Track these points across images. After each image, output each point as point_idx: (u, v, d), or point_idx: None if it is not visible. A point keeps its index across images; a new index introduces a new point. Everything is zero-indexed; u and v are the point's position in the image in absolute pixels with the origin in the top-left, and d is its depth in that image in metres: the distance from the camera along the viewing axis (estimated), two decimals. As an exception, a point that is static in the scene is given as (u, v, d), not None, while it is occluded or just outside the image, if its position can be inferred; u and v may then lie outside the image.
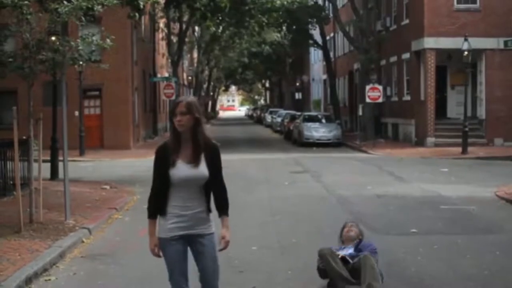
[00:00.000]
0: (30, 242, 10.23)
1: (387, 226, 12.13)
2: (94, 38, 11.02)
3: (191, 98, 5.30)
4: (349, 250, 7.72)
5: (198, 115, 5.16)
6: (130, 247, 10.19)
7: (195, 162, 5.15)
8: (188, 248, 5.36)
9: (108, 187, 18.05)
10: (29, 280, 8.23)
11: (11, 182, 15.50)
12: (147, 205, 5.35)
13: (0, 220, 11.79)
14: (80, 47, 11.34)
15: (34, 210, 11.72)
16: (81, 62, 12.42)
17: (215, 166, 5.26)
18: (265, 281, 8.23)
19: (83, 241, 10.95)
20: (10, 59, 11.41)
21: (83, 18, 11.10)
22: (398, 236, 11.23)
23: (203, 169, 5.17)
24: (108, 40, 11.36)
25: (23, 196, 14.51)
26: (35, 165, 12.61)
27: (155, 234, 5.27)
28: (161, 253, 5.27)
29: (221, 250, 5.32)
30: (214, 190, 5.33)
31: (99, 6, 11.08)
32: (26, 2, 9.94)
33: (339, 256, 7.45)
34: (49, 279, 8.56)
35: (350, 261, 7.41)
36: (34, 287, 8.18)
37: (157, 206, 5.26)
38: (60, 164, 19.50)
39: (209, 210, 5.30)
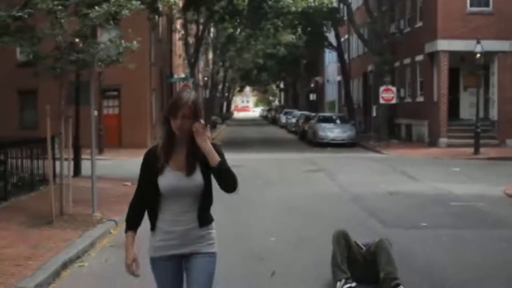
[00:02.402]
0: (62, 232, 10.92)
1: (398, 220, 12.73)
2: (122, 40, 11.68)
3: (194, 95, 4.41)
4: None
5: (201, 118, 4.35)
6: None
7: (187, 169, 4.36)
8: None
9: (129, 183, 18.66)
10: (64, 265, 8.90)
11: (38, 178, 16.28)
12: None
13: (32, 213, 12.49)
14: (100, 50, 12.00)
15: (64, 203, 12.38)
16: (100, 64, 12.94)
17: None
18: (284, 268, 8.85)
19: (110, 232, 11.64)
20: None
21: (111, 22, 11.80)
22: (408, 229, 11.81)
23: (197, 178, 4.37)
24: (134, 42, 12.01)
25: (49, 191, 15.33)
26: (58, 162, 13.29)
27: (132, 248, 4.56)
28: (138, 272, 4.58)
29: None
30: None
31: (127, 11, 11.74)
32: (60, 7, 10.63)
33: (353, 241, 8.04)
34: (83, 265, 9.24)
35: (363, 247, 8.00)
36: (70, 272, 8.85)
37: (138, 218, 4.57)
38: (83, 162, 20.35)
39: (203, 224, 4.49)
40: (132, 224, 4.58)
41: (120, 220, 12.56)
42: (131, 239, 4.57)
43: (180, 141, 4.39)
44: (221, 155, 4.38)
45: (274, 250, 10.01)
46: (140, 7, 12.28)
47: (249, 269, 8.62)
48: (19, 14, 10.79)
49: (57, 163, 13.59)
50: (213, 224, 4.57)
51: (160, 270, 4.55)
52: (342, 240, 7.92)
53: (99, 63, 12.12)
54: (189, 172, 4.36)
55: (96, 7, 10.84)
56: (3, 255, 9.03)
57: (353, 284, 7.55)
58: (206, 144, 4.29)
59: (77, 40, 12.11)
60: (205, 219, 4.48)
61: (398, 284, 7.39)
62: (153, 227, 4.51)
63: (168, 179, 4.37)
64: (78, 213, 12.61)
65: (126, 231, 4.59)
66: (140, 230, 4.64)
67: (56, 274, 8.49)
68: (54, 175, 16.71)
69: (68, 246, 9.81)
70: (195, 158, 4.37)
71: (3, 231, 10.87)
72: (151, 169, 4.42)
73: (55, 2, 10.57)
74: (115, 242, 10.88)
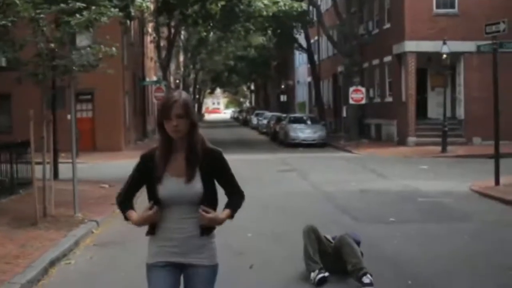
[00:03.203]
0: (46, 232, 11.32)
1: (368, 216, 13.33)
2: (102, 46, 12.11)
3: (184, 94, 4.29)
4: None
5: (195, 117, 4.26)
6: (136, 236, 11.18)
7: (187, 175, 4.22)
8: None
9: (106, 185, 19.08)
10: (52, 263, 9.33)
11: (17, 182, 16.61)
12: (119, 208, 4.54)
13: (15, 215, 12.85)
14: (80, 56, 12.40)
15: (47, 205, 12.76)
16: (74, 69, 13.23)
17: (222, 175, 4.41)
18: (262, 262, 9.37)
19: (93, 232, 12.06)
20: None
21: (90, 29, 12.24)
22: (377, 224, 12.42)
23: (196, 185, 4.23)
24: (113, 48, 12.46)
25: (30, 194, 15.73)
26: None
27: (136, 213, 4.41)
28: (154, 210, 4.27)
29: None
30: (229, 196, 4.53)
31: (105, 18, 12.18)
32: (42, 15, 11.05)
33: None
34: (69, 263, 9.68)
35: (332, 240, 8.56)
36: (58, 269, 9.28)
37: (130, 203, 4.47)
38: (60, 165, 20.66)
39: (204, 232, 4.34)
40: (127, 207, 4.44)
41: (101, 221, 13.01)
42: (133, 212, 4.42)
43: (177, 146, 4.25)
44: (223, 164, 4.38)
45: (252, 245, 10.54)
46: (118, 14, 12.74)
47: (227, 263, 9.07)
48: (3, 22, 11.19)
49: (36, 166, 13.93)
50: (215, 232, 4.42)
51: (157, 277, 4.33)
52: (312, 234, 8.48)
53: (80, 69, 12.51)
54: (189, 178, 4.21)
55: (77, 15, 11.28)
56: (-7, 254, 9.44)
57: (326, 274, 8.08)
58: (219, 221, 4.34)
59: (52, 45, 12.48)
60: (206, 227, 4.32)
61: (365, 273, 7.92)
62: (151, 233, 4.37)
63: (167, 187, 4.22)
64: (61, 215, 12.99)
65: (124, 213, 4.45)
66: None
67: (45, 271, 8.92)
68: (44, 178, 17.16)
69: (54, 245, 10.22)
70: (194, 162, 4.23)
71: (-11, 232, 11.24)
72: (146, 173, 4.30)
73: (38, 11, 10.99)
74: (98, 241, 11.34)
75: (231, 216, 4.45)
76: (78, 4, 11.20)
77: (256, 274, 8.82)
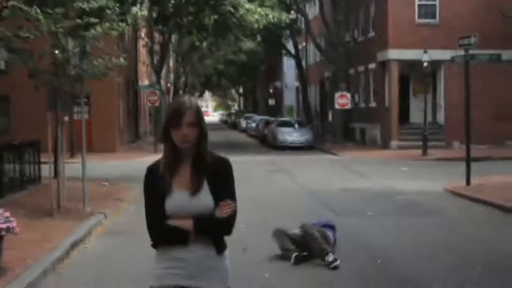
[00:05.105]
0: (62, 222, 12.77)
1: (348, 210, 14.85)
2: (113, 58, 13.56)
3: (195, 100, 3.96)
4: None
5: (205, 126, 3.89)
6: (141, 227, 12.70)
7: (192, 187, 3.83)
8: None
9: (107, 183, 20.48)
10: (72, 246, 10.77)
11: (25, 179, 18.01)
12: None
13: (30, 208, 14.26)
14: (92, 66, 13.82)
15: (60, 199, 14.18)
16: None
17: (223, 185, 3.93)
18: (254, 245, 10.84)
19: (102, 222, 13.51)
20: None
21: (101, 41, 13.72)
22: (356, 217, 13.93)
23: (205, 198, 3.84)
24: (121, 59, 13.91)
25: (37, 189, 17.15)
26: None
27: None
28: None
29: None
30: None
31: (114, 31, 13.64)
32: (60, 30, 12.48)
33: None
34: (86, 247, 11.16)
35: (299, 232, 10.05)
36: (77, 252, 10.73)
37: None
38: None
39: (221, 250, 3.96)
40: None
41: (108, 213, 14.46)
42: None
43: (184, 156, 3.87)
44: (228, 174, 3.99)
45: (245, 233, 11.95)
46: (127, 28, 14.19)
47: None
48: (26, 35, 12.62)
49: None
50: (227, 252, 4.03)
51: None
52: (281, 233, 10.15)
53: (92, 77, 13.94)
54: (195, 190, 3.83)
55: (92, 30, 12.75)
56: (21, 238, 10.82)
57: (304, 253, 9.61)
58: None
59: (61, 54, 13.83)
60: (221, 245, 3.97)
61: (327, 253, 9.42)
62: (156, 246, 3.96)
63: (174, 200, 3.83)
64: (72, 208, 14.42)
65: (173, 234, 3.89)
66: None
67: (67, 253, 10.37)
68: (40, 176, 18.61)
69: (71, 233, 11.67)
70: (200, 174, 3.86)
71: (11, 221, 12.63)
72: (157, 189, 3.85)
73: (57, 25, 12.43)
74: (108, 230, 12.82)
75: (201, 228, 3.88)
76: (92, 20, 12.63)
77: (247, 257, 10.28)
